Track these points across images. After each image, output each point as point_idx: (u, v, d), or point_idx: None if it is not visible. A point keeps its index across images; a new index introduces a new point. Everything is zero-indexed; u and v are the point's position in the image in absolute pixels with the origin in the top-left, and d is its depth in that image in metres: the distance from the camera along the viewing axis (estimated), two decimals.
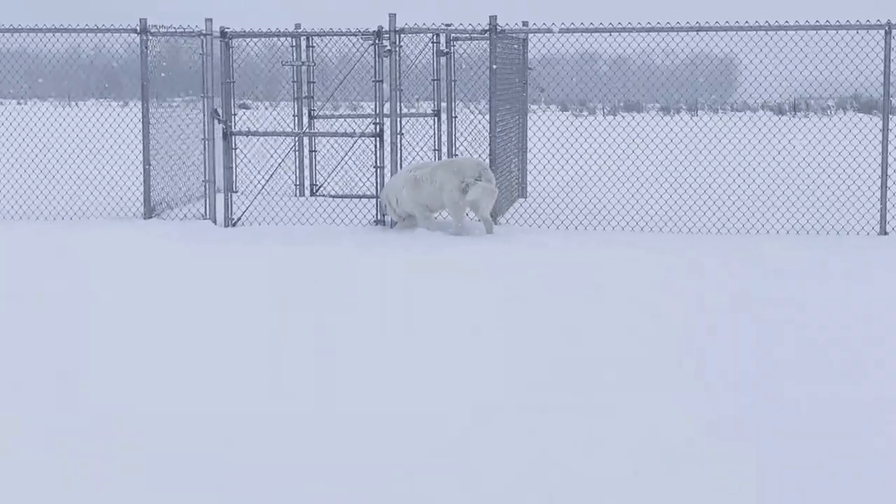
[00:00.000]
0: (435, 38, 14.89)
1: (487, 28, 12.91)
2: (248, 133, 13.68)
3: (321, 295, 9.38)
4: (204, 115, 13.54)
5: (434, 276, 10.21)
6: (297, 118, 15.68)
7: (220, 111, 13.46)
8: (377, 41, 13.12)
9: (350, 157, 15.22)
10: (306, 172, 15.82)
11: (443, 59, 15.04)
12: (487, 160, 13.18)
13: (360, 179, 15.03)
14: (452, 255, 11.19)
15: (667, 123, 23.97)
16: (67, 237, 12.24)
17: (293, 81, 15.60)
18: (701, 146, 15.14)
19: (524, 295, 9.37)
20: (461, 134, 15.37)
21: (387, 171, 13.22)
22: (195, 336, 8.02)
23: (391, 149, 13.11)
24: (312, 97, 15.66)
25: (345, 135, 13.63)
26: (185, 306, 8.96)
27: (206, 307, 8.92)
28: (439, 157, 15.24)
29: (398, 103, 13.10)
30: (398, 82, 13.09)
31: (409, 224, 12.88)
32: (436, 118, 15.38)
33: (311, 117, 15.68)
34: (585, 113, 38.27)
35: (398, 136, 13.12)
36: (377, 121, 13.24)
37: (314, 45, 15.42)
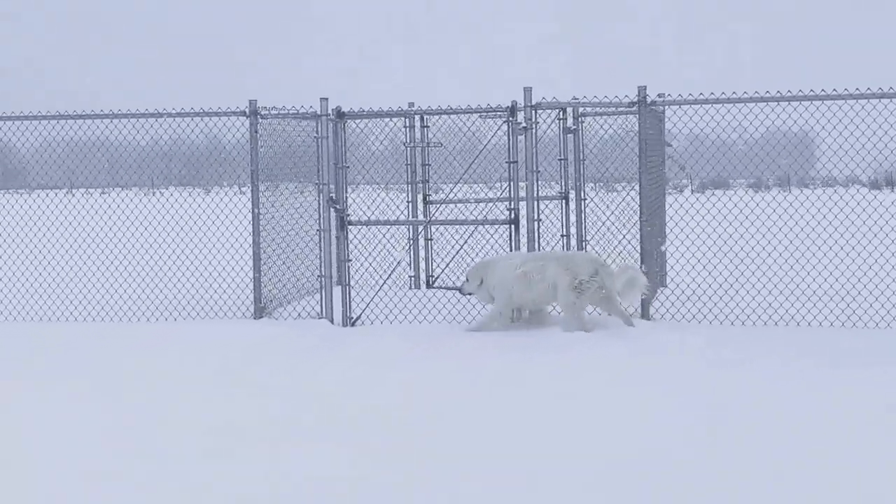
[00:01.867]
0: (561, 114, 13.62)
1: (636, 101, 11.60)
2: (367, 223, 12.39)
3: (499, 427, 7.96)
4: (319, 203, 12.30)
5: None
6: (411, 204, 14.43)
7: (335, 198, 12.25)
8: (511, 118, 11.86)
9: (470, 245, 13.94)
10: (422, 263, 14.54)
11: (569, 137, 13.78)
12: (635, 259, 11.80)
13: None
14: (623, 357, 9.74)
15: (762, 200, 22.27)
16: (170, 344, 10.90)
17: (406, 164, 14.38)
18: (826, 223, 13.55)
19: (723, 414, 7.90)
20: (591, 218, 14.04)
21: None
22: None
23: (528, 236, 11.78)
24: (428, 181, 14.43)
25: (477, 222, 12.31)
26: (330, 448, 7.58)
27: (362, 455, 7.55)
28: (568, 244, 13.87)
29: (535, 186, 11.79)
30: (535, 163, 11.80)
31: (539, 318, 11.50)
32: (563, 201, 14.03)
33: (426, 202, 14.42)
34: (671, 190, 36.81)
35: (536, 223, 11.78)
36: (511, 206, 11.94)
37: (428, 124, 14.22)
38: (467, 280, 11.53)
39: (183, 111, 12.38)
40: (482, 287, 11.44)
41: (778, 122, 11.75)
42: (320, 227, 12.32)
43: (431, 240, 14.51)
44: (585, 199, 14.01)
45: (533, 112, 11.76)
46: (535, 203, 11.76)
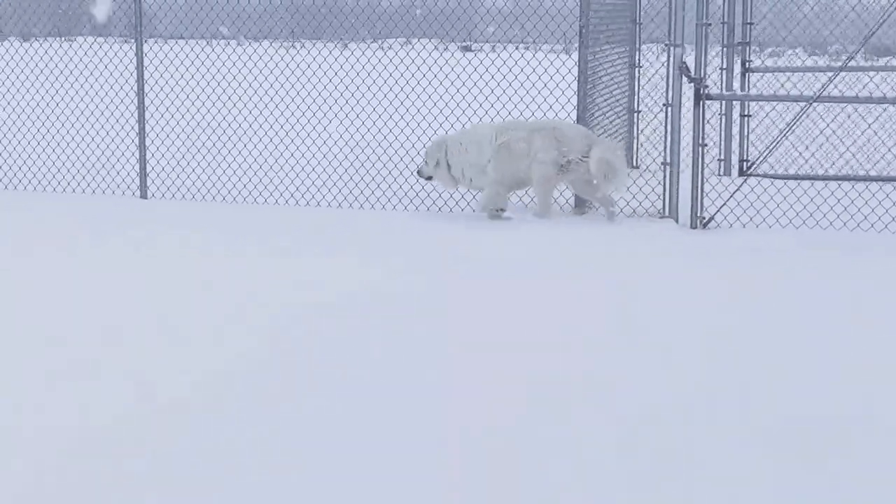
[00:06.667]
0: None
1: None
2: (733, 97, 9.71)
3: None
4: (668, 70, 9.63)
5: None
6: (725, 71, 11.70)
7: (688, 65, 9.57)
8: None
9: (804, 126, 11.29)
10: (734, 144, 11.92)
11: None
12: None
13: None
14: None
15: None
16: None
17: (722, 22, 11.60)
18: None
19: None
20: None
21: None
22: None
23: None
24: (749, 43, 11.69)
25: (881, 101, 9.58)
26: None
27: None
28: None
29: None
30: None
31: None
32: None
33: (745, 70, 11.71)
34: None
35: None
36: None
37: None
38: (425, 162, 9.72)
39: None
40: (439, 168, 9.62)
41: None
42: (667, 100, 9.68)
43: (749, 115, 11.82)
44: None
45: None
46: None
